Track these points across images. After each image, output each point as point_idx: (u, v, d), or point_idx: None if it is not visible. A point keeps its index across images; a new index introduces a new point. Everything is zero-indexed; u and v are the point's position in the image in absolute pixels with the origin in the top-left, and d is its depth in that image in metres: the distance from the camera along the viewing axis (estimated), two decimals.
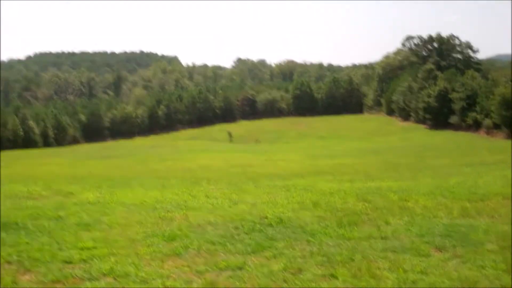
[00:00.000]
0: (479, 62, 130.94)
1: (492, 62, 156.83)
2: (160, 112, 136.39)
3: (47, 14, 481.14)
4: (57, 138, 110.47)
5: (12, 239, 8.47)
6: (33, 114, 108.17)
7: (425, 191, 13.26)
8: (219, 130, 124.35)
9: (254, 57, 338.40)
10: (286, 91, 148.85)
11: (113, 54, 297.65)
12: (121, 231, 9.03)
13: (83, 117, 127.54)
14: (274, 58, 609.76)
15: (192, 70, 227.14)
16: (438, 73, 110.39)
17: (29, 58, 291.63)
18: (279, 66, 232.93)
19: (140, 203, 12.15)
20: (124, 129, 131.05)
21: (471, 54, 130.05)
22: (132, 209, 11.32)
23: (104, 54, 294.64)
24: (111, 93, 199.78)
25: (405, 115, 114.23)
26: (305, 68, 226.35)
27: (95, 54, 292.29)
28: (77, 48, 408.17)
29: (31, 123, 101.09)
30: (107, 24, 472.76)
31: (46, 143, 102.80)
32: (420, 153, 41.57)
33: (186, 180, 19.46)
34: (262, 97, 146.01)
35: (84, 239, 8.45)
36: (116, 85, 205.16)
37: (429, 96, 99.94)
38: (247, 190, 14.67)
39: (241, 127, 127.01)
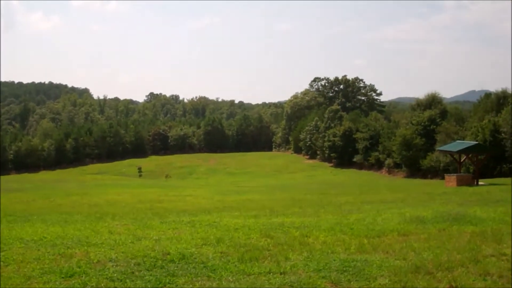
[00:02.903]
0: (382, 104, 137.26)
1: (394, 105, 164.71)
2: (68, 146, 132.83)
3: None
4: None
5: None
6: None
7: (325, 227, 13.57)
8: (129, 165, 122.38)
9: (167, 92, 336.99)
10: (198, 127, 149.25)
11: (20, 84, 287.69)
12: (16, 268, 8.74)
13: None
14: (187, 94, 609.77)
15: (103, 104, 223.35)
16: (344, 113, 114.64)
17: None
18: (192, 102, 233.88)
19: (39, 239, 11.79)
20: (29, 162, 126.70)
21: (375, 96, 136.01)
22: (30, 245, 10.98)
23: (11, 84, 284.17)
24: (17, 125, 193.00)
25: (312, 153, 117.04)
26: (217, 105, 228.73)
27: (2, 84, 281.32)
28: None
29: None
30: (15, 53, 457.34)
31: None
32: (324, 190, 42.44)
33: (90, 215, 19.02)
34: (174, 132, 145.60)
35: None
36: (23, 117, 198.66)
37: (334, 135, 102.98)
38: (153, 226, 14.53)
39: (151, 162, 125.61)
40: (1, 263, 9.13)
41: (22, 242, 11.33)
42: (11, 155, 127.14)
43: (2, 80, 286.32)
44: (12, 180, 73.44)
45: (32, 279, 8.01)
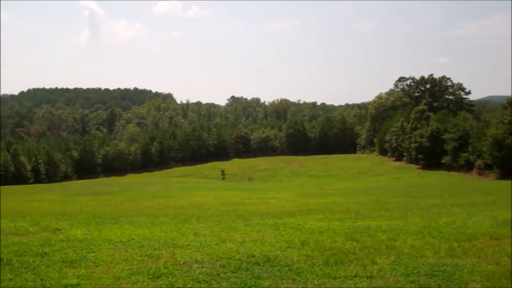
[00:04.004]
0: (471, 103, 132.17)
1: (484, 104, 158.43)
2: (153, 149, 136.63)
3: (42, 50, 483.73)
4: (49, 174, 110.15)
5: None
6: (25, 150, 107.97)
7: (413, 230, 13.22)
8: (212, 167, 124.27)
9: (248, 95, 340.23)
10: (280, 129, 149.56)
11: (107, 90, 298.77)
12: (106, 268, 8.97)
13: (75, 154, 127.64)
14: (268, 96, 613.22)
15: (186, 108, 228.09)
16: (431, 113, 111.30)
17: (22, 93, 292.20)
18: (273, 104, 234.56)
19: (127, 240, 12.07)
20: (117, 165, 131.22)
21: (463, 95, 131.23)
22: (119, 246, 11.25)
23: (98, 91, 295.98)
24: (104, 130, 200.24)
25: (398, 155, 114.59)
26: (298, 107, 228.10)
27: (89, 90, 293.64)
28: (71, 85, 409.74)
29: (23, 159, 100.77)
30: (101, 61, 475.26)
31: (37, 179, 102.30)
32: (411, 193, 41.49)
33: (176, 217, 19.32)
34: (256, 135, 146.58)
35: (68, 276, 8.41)
36: (110, 122, 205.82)
37: (421, 136, 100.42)
38: (237, 228, 14.58)
39: (234, 165, 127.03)
40: (92, 263, 9.39)
41: (111, 243, 11.62)
42: (100, 159, 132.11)
43: (90, 87, 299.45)
44: (100, 183, 76.15)
45: (121, 280, 8.18)
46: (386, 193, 42.99)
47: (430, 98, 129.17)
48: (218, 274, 8.47)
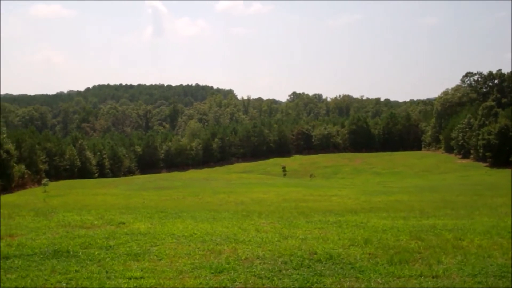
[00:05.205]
0: None
1: None
2: (214, 145, 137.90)
3: (107, 48, 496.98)
4: (113, 168, 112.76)
5: (63, 267, 8.64)
6: (91, 145, 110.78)
7: (481, 230, 12.86)
8: (273, 164, 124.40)
9: (310, 91, 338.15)
10: (342, 126, 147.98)
11: (169, 87, 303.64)
12: (169, 262, 9.08)
13: (139, 149, 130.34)
14: (330, 92, 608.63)
15: (247, 104, 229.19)
16: (499, 110, 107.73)
17: (88, 90, 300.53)
18: (335, 100, 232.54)
19: (190, 235, 12.21)
20: (179, 161, 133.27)
21: None
22: (181, 240, 11.38)
23: (161, 87, 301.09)
24: (167, 125, 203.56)
25: (465, 153, 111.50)
26: (361, 103, 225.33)
27: (152, 87, 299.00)
28: (135, 81, 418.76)
29: (88, 153, 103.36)
30: (164, 58, 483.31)
31: (102, 174, 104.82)
32: (478, 191, 40.32)
33: (237, 213, 19.41)
34: (318, 131, 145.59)
35: (132, 269, 8.56)
36: (172, 118, 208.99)
37: (489, 133, 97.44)
38: (298, 225, 14.51)
39: (295, 161, 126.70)
40: (155, 257, 9.51)
41: (173, 237, 11.78)
42: (162, 154, 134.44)
43: (153, 83, 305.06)
44: (163, 178, 77.36)
45: (183, 274, 8.25)
46: (452, 192, 41.95)
47: (498, 94, 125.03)
48: (280, 271, 8.44)
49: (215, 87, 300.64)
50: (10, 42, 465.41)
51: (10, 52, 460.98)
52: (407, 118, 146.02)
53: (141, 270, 8.46)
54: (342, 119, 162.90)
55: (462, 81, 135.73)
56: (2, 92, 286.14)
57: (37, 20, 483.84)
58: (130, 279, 7.93)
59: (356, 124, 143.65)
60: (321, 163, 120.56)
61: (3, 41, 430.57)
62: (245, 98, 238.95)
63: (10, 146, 59.39)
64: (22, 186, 61.24)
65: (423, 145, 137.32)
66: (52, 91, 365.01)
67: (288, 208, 25.50)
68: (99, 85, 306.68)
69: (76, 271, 8.41)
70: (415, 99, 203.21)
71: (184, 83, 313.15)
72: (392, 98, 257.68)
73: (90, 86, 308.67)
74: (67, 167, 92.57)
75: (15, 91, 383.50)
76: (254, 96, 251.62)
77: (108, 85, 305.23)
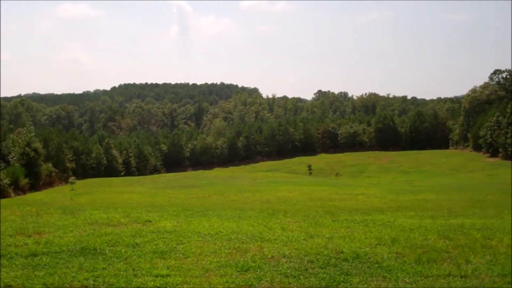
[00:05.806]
0: None
1: None
2: (239, 144, 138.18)
3: (133, 47, 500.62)
4: (139, 167, 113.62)
5: (90, 264, 8.72)
6: (117, 144, 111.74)
7: (510, 229, 12.64)
8: (298, 162, 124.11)
9: (336, 89, 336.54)
10: (369, 124, 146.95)
11: (194, 85, 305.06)
12: (195, 260, 9.10)
13: (164, 147, 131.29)
14: (356, 90, 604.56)
15: (272, 102, 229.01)
16: None
17: (114, 89, 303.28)
18: (361, 98, 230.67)
19: (216, 233, 12.23)
20: (204, 159, 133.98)
21: None
22: (207, 239, 11.40)
23: (186, 86, 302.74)
24: (192, 124, 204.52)
25: (493, 151, 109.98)
26: (388, 101, 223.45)
27: (178, 85, 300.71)
28: (160, 80, 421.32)
29: (115, 152, 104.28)
30: (189, 57, 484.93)
31: (128, 172, 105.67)
32: (507, 190, 39.67)
33: (263, 212, 19.38)
34: (343, 130, 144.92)
35: (159, 266, 8.60)
36: (197, 116, 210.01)
37: None
38: (324, 224, 14.45)
39: (321, 160, 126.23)
40: (181, 255, 9.54)
41: (199, 235, 11.81)
42: (187, 153, 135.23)
43: (178, 82, 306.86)
44: (188, 176, 77.63)
45: (209, 272, 8.27)
46: (481, 191, 41.40)
47: None
48: (306, 270, 8.41)
49: (240, 85, 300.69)
50: (38, 42, 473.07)
51: (38, 52, 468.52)
52: (435, 116, 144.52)
53: (167, 268, 8.49)
54: (368, 117, 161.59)
55: (491, 78, 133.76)
56: (30, 91, 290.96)
57: (64, 19, 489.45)
58: (157, 276, 7.97)
59: (382, 122, 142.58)
60: (347, 161, 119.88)
61: (31, 41, 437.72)
62: (270, 96, 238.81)
63: (38, 145, 60.15)
64: (49, 184, 61.90)
65: (450, 144, 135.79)
66: (78, 90, 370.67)
67: (314, 207, 25.42)
68: (125, 84, 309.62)
69: (103, 268, 8.48)
70: (442, 97, 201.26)
71: (209, 82, 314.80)
72: (419, 96, 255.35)
73: (116, 85, 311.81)
74: (94, 165, 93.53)
75: (43, 90, 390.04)
76: (279, 94, 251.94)
77: (134, 84, 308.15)
